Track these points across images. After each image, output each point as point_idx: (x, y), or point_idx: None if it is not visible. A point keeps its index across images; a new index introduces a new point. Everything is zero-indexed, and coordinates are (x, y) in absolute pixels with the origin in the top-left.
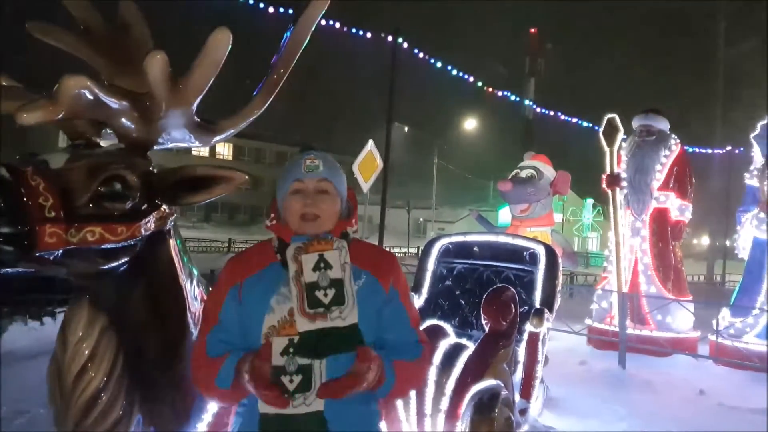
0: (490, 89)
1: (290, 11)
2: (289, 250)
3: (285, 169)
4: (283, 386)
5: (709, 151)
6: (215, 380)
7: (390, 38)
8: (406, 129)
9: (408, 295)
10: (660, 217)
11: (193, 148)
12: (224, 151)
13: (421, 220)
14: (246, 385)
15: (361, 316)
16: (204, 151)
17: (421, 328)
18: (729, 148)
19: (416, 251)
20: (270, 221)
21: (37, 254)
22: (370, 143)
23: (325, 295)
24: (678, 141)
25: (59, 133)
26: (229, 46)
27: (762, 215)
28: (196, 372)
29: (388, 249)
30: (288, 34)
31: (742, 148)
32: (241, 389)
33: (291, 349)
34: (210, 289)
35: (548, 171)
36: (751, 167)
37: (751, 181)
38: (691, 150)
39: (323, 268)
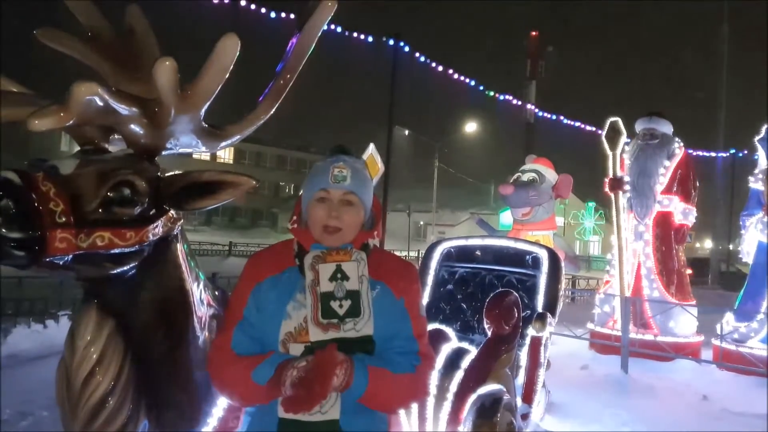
0: (492, 93)
1: (292, 16)
2: (307, 258)
3: (313, 173)
4: None
5: (713, 154)
6: (252, 373)
7: (391, 42)
8: (406, 132)
9: (416, 303)
10: (663, 220)
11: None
12: (225, 154)
13: (422, 223)
14: (283, 386)
15: (375, 327)
16: (205, 155)
17: None
18: (733, 151)
19: (417, 255)
20: (292, 223)
21: (48, 259)
22: (371, 147)
23: (341, 306)
24: (681, 144)
25: (62, 138)
26: (238, 52)
27: (766, 219)
28: (219, 364)
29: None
30: (294, 39)
31: (746, 151)
32: (270, 390)
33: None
34: (216, 293)
35: (550, 174)
36: (756, 170)
37: (755, 184)
38: (694, 153)
39: (340, 279)
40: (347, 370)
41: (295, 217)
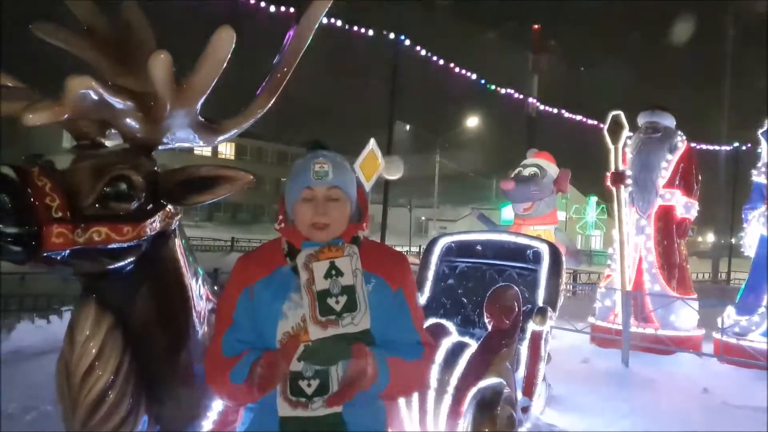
0: (493, 86)
1: (291, 10)
2: (300, 257)
3: (294, 172)
4: (302, 391)
5: (716, 147)
6: (229, 374)
7: (392, 36)
8: (407, 127)
9: (414, 294)
10: (665, 214)
11: (195, 148)
12: (226, 150)
13: (423, 218)
14: (254, 378)
15: (372, 320)
16: (206, 151)
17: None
18: (736, 144)
19: (418, 250)
20: (279, 223)
21: (45, 254)
22: (372, 142)
23: (337, 302)
24: (684, 138)
25: (63, 134)
26: (233, 45)
27: None
28: (212, 370)
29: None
30: (291, 33)
31: (749, 145)
32: (250, 388)
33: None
34: (216, 288)
35: (551, 169)
36: (759, 164)
37: (758, 178)
38: (697, 147)
39: (334, 276)
40: (374, 362)
41: (281, 217)
